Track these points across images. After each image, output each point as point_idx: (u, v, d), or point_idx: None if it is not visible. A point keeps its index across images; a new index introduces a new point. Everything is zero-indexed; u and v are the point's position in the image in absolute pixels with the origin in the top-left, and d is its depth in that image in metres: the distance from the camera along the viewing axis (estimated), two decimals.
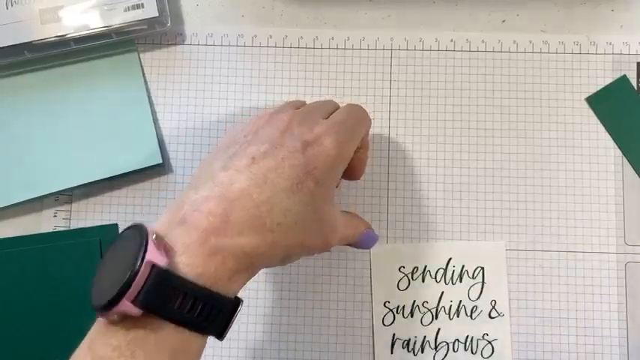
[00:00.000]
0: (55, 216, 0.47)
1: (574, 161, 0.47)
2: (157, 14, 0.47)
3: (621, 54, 0.48)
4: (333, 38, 0.49)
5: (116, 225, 0.47)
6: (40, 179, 0.46)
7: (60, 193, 0.47)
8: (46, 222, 0.47)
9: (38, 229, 0.47)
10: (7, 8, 0.46)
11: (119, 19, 0.46)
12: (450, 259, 0.46)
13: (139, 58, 0.48)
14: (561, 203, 0.46)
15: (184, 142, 0.48)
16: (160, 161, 0.47)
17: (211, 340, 0.32)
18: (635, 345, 0.45)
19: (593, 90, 0.47)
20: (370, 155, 0.47)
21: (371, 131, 0.47)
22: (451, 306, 0.45)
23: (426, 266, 0.46)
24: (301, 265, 0.46)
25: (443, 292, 0.45)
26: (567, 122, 0.47)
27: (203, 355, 0.32)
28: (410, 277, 0.46)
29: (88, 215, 0.47)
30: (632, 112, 0.47)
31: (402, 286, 0.46)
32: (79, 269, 0.46)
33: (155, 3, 0.47)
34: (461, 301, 0.45)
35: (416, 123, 0.48)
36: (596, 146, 0.47)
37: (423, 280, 0.46)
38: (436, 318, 0.45)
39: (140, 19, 0.46)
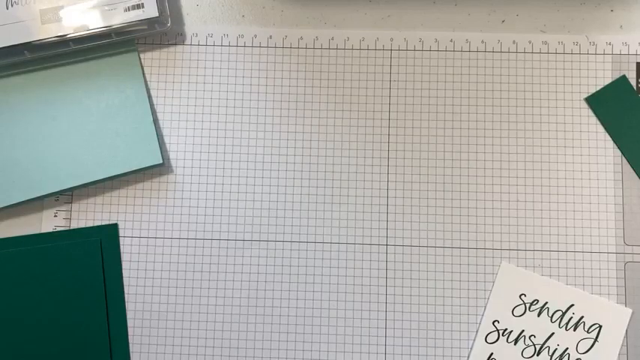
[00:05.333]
0: (55, 216, 0.47)
1: (573, 161, 0.47)
2: (157, 14, 0.47)
3: (621, 54, 0.48)
4: (333, 38, 0.49)
5: (116, 225, 0.47)
6: (40, 179, 0.46)
7: (60, 193, 0.47)
8: (46, 222, 0.47)
9: (38, 229, 0.47)
10: (7, 8, 0.46)
11: (119, 19, 0.46)
12: (573, 305, 0.45)
13: (139, 58, 0.48)
14: (561, 203, 0.46)
15: (184, 142, 0.48)
16: (160, 161, 0.47)
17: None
18: (634, 344, 0.45)
19: (593, 90, 0.48)
20: (370, 155, 0.47)
21: (371, 130, 0.48)
22: (556, 349, 0.45)
23: (546, 302, 0.45)
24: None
25: (553, 334, 0.45)
26: (567, 122, 0.47)
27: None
28: (527, 307, 0.45)
29: (88, 215, 0.47)
30: (631, 112, 0.47)
31: (517, 312, 0.45)
32: (79, 269, 0.46)
33: (155, 3, 0.47)
34: (567, 348, 0.45)
35: (415, 123, 0.48)
36: (596, 146, 0.47)
37: (539, 315, 0.45)
38: (537, 355, 0.45)
39: (140, 19, 0.47)
